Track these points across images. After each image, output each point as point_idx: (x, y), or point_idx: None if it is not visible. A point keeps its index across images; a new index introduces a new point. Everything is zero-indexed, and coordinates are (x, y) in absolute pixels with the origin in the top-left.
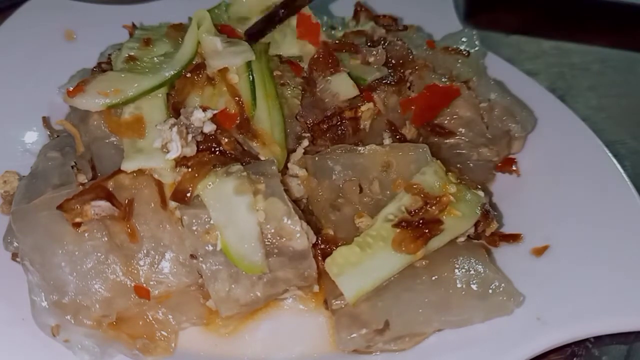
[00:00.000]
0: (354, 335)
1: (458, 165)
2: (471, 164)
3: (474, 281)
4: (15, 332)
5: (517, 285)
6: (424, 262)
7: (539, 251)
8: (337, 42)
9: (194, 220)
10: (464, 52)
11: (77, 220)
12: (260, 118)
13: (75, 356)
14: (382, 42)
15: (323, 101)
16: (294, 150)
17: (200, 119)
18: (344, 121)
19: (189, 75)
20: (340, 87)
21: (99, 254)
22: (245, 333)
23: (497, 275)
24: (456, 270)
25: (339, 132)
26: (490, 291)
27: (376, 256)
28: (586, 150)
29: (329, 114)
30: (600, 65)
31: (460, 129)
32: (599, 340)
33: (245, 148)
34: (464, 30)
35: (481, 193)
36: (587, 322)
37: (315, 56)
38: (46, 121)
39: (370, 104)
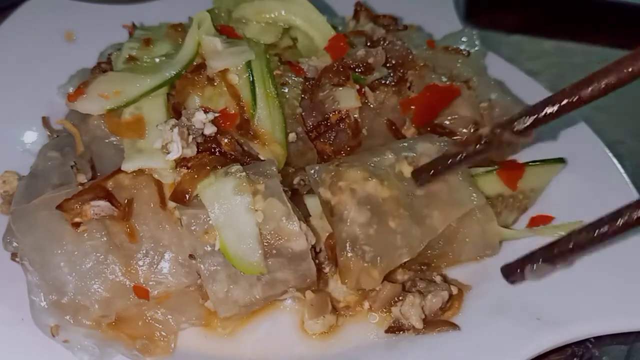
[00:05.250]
0: None
1: None
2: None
3: None
4: (14, 332)
5: (518, 285)
6: None
7: None
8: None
9: (192, 221)
10: (464, 52)
11: (77, 220)
12: (261, 118)
13: (74, 356)
14: (382, 42)
15: (323, 104)
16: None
17: (201, 120)
18: (343, 123)
19: (189, 75)
20: (344, 97)
21: (98, 254)
22: (245, 333)
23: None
24: None
25: (339, 134)
26: None
27: None
28: (586, 150)
29: (328, 116)
30: (600, 65)
31: (461, 129)
32: (599, 340)
33: (246, 148)
34: (464, 30)
35: None
36: (587, 322)
37: (332, 67)
38: (46, 121)
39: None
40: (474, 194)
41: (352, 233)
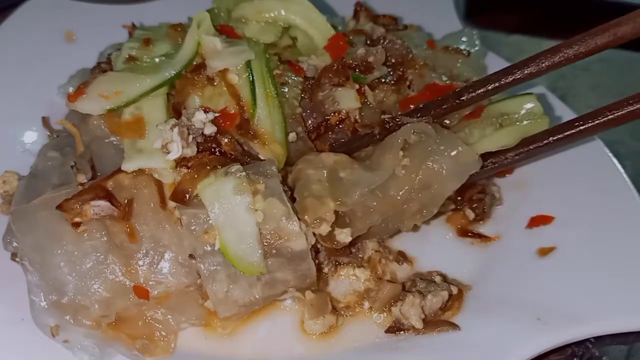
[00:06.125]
0: None
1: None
2: None
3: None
4: (14, 332)
5: (518, 284)
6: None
7: (544, 251)
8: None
9: (192, 220)
10: (464, 52)
11: (77, 220)
12: (261, 117)
13: (74, 356)
14: (382, 41)
15: (322, 105)
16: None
17: (201, 120)
18: (343, 124)
19: (189, 75)
20: (344, 97)
21: (98, 254)
22: (245, 333)
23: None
24: None
25: (339, 134)
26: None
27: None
28: (586, 150)
29: (328, 117)
30: (600, 65)
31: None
32: (599, 340)
33: (246, 148)
34: (464, 30)
35: None
36: (588, 323)
37: (332, 66)
38: (46, 121)
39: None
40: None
41: (309, 183)
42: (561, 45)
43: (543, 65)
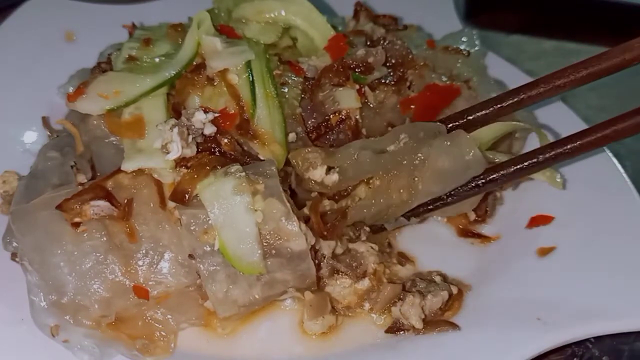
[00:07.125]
0: None
1: None
2: None
3: None
4: (14, 332)
5: (518, 284)
6: None
7: (544, 251)
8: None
9: (192, 221)
10: (464, 52)
11: (76, 220)
12: (261, 118)
13: (74, 356)
14: (382, 42)
15: (323, 105)
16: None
17: (201, 120)
18: (343, 124)
19: (189, 75)
20: (344, 97)
21: (97, 254)
22: (245, 333)
23: None
24: None
25: (339, 135)
26: None
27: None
28: None
29: (328, 117)
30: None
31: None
32: (599, 340)
33: (245, 148)
34: (464, 30)
35: None
36: (588, 322)
37: (332, 67)
38: (46, 121)
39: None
40: None
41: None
42: (564, 71)
43: (554, 85)
